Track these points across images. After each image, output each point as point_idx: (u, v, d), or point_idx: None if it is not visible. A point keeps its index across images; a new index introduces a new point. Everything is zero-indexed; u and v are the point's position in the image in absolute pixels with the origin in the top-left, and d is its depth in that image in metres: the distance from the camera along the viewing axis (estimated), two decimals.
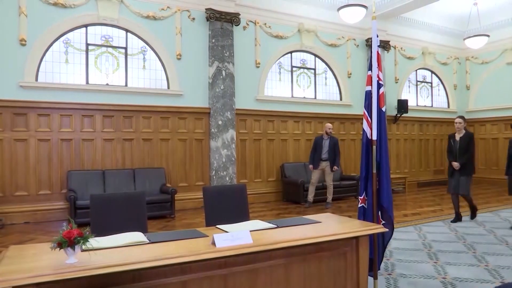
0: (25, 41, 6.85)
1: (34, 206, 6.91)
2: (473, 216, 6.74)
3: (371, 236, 3.21)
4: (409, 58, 11.77)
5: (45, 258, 2.08)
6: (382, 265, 4.13)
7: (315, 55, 10.19)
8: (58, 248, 1.96)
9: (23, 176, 6.89)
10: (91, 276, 1.96)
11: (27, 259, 2.13)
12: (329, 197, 8.49)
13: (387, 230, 3.24)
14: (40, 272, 1.88)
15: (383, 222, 3.50)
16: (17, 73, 6.80)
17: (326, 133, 8.43)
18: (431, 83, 12.65)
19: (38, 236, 5.89)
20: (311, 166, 8.48)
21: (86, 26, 7.49)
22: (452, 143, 6.49)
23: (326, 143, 8.35)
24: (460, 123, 6.40)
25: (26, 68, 6.86)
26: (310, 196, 8.40)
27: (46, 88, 7.02)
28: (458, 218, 6.59)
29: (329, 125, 8.56)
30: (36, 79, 7.01)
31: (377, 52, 3.58)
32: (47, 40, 7.08)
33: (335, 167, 8.39)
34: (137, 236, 2.55)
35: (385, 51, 10.96)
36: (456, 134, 6.48)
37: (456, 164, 6.33)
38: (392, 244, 5.07)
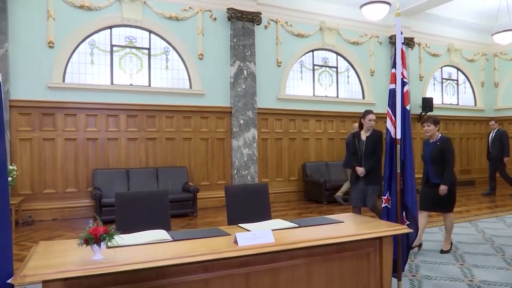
0: (53, 43, 7.06)
1: (61, 204, 7.11)
2: None
3: (395, 237, 3.16)
4: (434, 55, 11.50)
5: (73, 254, 2.14)
6: (406, 266, 4.06)
7: (337, 53, 10.09)
8: (85, 245, 2.01)
9: (51, 175, 7.11)
10: (116, 272, 2.00)
11: (56, 254, 2.20)
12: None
13: (411, 231, 3.18)
14: (68, 268, 1.94)
15: (408, 222, 3.43)
16: (46, 74, 7.01)
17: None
18: (457, 80, 12.32)
19: (66, 232, 6.06)
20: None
21: (110, 27, 7.65)
22: (357, 143, 5.22)
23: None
24: (375, 120, 5.19)
25: (54, 69, 7.07)
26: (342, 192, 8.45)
27: (73, 89, 7.22)
28: None
29: (356, 125, 8.63)
30: (63, 80, 7.21)
31: (401, 49, 3.52)
32: (74, 42, 7.27)
33: None
34: (161, 234, 2.59)
35: (409, 48, 10.74)
36: (362, 133, 5.20)
37: (360, 170, 5.07)
38: None
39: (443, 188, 4.52)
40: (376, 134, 5.16)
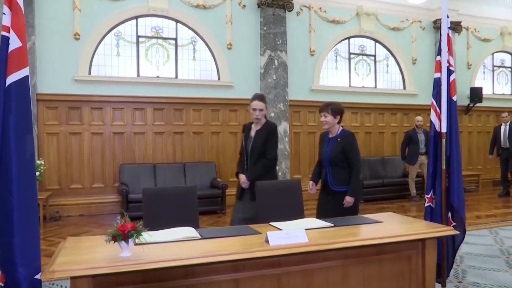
0: (79, 35, 7.28)
1: (88, 199, 7.38)
2: None
3: (439, 239, 3.08)
4: (484, 40, 11.03)
5: (100, 251, 2.21)
6: (452, 271, 3.94)
7: (376, 40, 9.88)
8: (113, 241, 2.07)
9: (78, 169, 7.37)
10: (145, 270, 2.06)
11: (84, 250, 2.29)
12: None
13: (458, 232, 3.09)
14: (96, 264, 2.01)
15: (454, 223, 3.35)
16: (72, 67, 7.26)
17: (417, 126, 8.77)
18: (511, 68, 11.78)
19: (92, 228, 6.29)
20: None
21: (136, 18, 7.82)
22: (244, 141, 4.03)
23: (421, 137, 8.66)
24: (260, 109, 3.89)
25: (80, 62, 7.31)
26: (414, 191, 8.85)
27: (99, 82, 7.44)
28: None
29: (418, 117, 8.86)
30: (89, 73, 7.44)
31: (447, 34, 3.42)
32: (100, 33, 7.48)
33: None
34: (189, 231, 2.64)
35: (456, 34, 10.35)
36: (253, 126, 4.01)
37: (242, 179, 3.87)
38: (463, 248, 4.81)
39: (349, 201, 3.61)
40: (267, 127, 3.94)
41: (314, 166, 4.05)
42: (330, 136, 3.82)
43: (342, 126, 3.85)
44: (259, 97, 3.96)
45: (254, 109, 3.88)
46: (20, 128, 2.07)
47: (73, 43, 7.27)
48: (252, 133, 3.96)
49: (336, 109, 3.72)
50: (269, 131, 3.89)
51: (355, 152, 3.72)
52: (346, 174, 3.68)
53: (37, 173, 6.14)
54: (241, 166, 4.01)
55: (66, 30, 7.24)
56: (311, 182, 3.90)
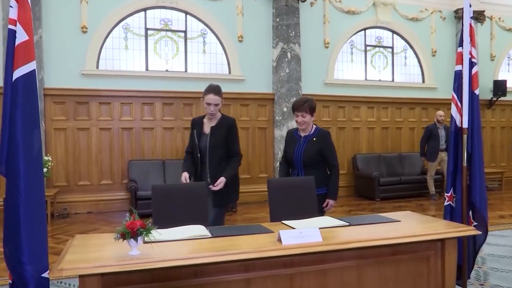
0: (86, 28, 7.35)
1: (96, 196, 7.47)
2: None
3: (459, 240, 3.05)
4: (509, 30, 10.83)
5: (109, 249, 2.24)
6: (473, 273, 3.90)
7: (393, 32, 9.78)
8: (122, 239, 2.10)
9: (86, 166, 7.46)
10: (154, 269, 2.07)
11: (92, 248, 2.32)
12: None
13: (479, 233, 3.05)
14: (105, 263, 2.03)
15: (475, 223, 3.31)
16: (79, 61, 7.33)
17: (438, 121, 8.69)
18: None
19: (101, 226, 6.36)
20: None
21: (145, 10, 7.85)
22: (196, 138, 3.70)
23: (442, 132, 8.59)
24: (215, 104, 3.57)
25: (88, 55, 7.38)
26: (433, 189, 8.74)
27: (107, 76, 7.51)
28: None
29: (440, 112, 8.76)
30: (97, 67, 7.51)
31: (470, 24, 3.37)
32: (107, 26, 7.54)
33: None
34: (199, 229, 2.65)
35: (479, 24, 10.19)
36: (206, 121, 3.73)
37: (184, 178, 3.54)
38: (485, 249, 4.75)
39: (331, 204, 3.70)
40: (226, 123, 3.68)
41: (280, 166, 3.93)
42: (303, 134, 3.72)
43: (315, 124, 3.79)
44: (215, 91, 3.59)
45: (209, 104, 3.57)
46: (27, 123, 2.08)
47: (81, 37, 7.34)
48: (206, 129, 3.70)
49: (313, 107, 3.66)
50: (230, 126, 3.67)
51: (333, 152, 3.71)
52: (321, 175, 3.66)
53: (45, 170, 6.24)
54: (188, 164, 3.73)
55: (74, 23, 7.31)
56: None
